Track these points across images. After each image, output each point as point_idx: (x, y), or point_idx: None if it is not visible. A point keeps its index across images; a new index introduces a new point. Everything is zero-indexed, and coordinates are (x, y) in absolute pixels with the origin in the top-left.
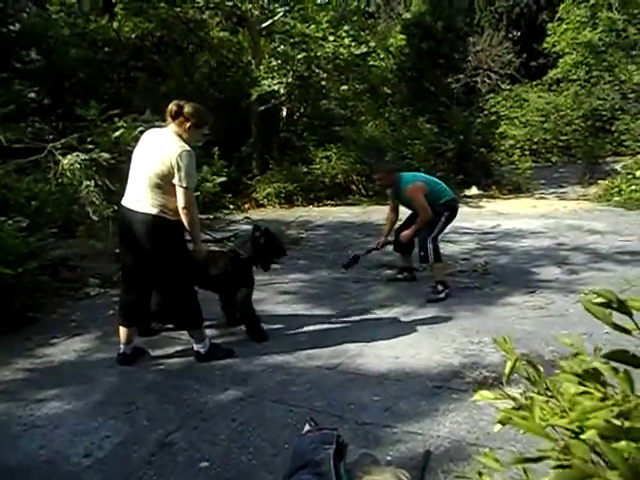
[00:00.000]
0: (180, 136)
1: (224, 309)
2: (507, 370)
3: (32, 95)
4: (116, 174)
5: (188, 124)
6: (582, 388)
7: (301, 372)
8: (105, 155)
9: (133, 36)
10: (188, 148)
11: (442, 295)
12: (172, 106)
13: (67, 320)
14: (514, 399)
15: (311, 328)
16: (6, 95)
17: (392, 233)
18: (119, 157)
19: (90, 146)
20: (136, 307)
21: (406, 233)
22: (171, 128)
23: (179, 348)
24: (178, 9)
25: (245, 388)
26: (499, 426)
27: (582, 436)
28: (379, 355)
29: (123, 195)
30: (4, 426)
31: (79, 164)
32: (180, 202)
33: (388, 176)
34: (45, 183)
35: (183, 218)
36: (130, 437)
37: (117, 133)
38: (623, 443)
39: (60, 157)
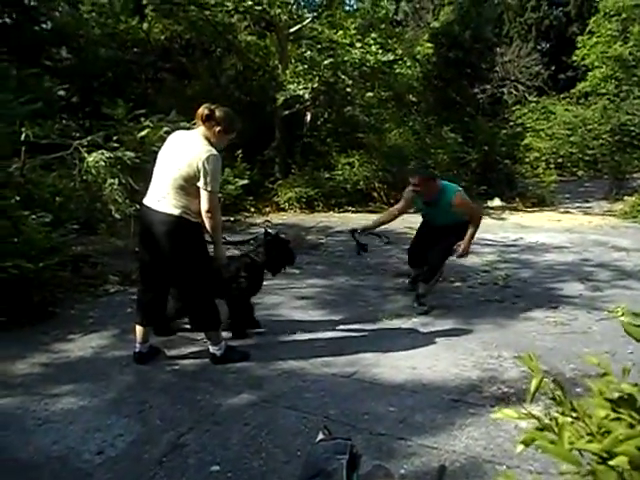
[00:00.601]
0: (208, 139)
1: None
2: (532, 388)
3: (61, 93)
4: (140, 173)
5: (218, 128)
6: (614, 414)
7: (316, 379)
8: (130, 154)
9: (162, 38)
10: (215, 152)
11: (426, 308)
12: (203, 109)
13: (85, 316)
14: (538, 419)
15: (327, 335)
16: (36, 92)
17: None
18: (144, 157)
19: (115, 145)
20: (153, 307)
21: (466, 247)
22: (200, 131)
23: (195, 349)
24: (207, 12)
25: (259, 392)
26: (521, 447)
27: (611, 462)
28: (396, 365)
29: (145, 194)
30: (19, 420)
31: (104, 162)
32: (204, 205)
33: (427, 183)
34: (70, 180)
35: (206, 222)
36: (142, 437)
37: (143, 133)
38: None
39: (85, 154)
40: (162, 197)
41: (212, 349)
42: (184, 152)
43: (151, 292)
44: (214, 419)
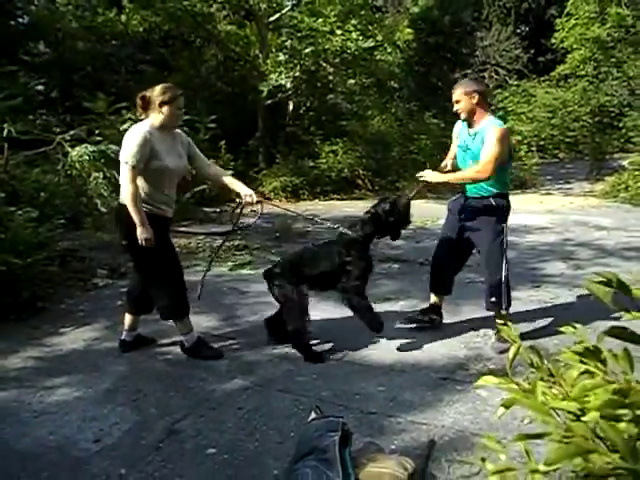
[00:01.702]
0: (156, 121)
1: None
2: (511, 355)
3: (40, 88)
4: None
5: (158, 102)
6: (583, 367)
7: (307, 363)
8: (114, 147)
9: (140, 29)
10: (137, 128)
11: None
12: (137, 100)
13: (75, 310)
14: (517, 384)
15: (316, 319)
16: (14, 88)
17: None
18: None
19: (98, 138)
20: (143, 296)
21: (434, 177)
22: (148, 119)
23: None
24: (186, 2)
25: (251, 377)
26: (502, 410)
27: (584, 418)
28: (384, 347)
29: None
30: (14, 412)
31: (88, 156)
32: (121, 179)
33: (471, 99)
34: (54, 175)
35: (124, 198)
36: (138, 424)
37: (125, 126)
38: (623, 424)
39: (69, 149)
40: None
41: (182, 338)
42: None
43: (140, 282)
44: (208, 405)
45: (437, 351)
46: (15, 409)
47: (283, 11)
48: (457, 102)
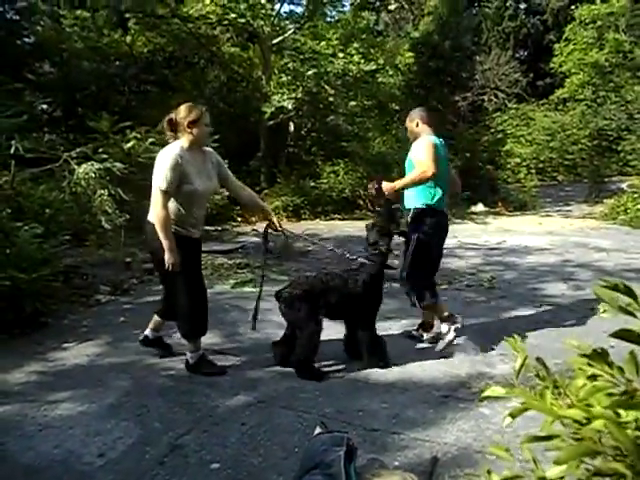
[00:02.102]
0: (186, 142)
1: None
2: (517, 366)
3: (44, 107)
4: (127, 184)
5: (187, 123)
6: (590, 370)
7: (309, 380)
8: (119, 165)
9: (145, 50)
10: (169, 150)
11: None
12: (164, 123)
13: (78, 326)
14: (524, 393)
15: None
16: (19, 106)
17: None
18: (130, 168)
19: (104, 156)
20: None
21: (389, 187)
22: (177, 141)
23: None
24: (191, 25)
25: (254, 394)
26: (508, 420)
27: (591, 425)
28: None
29: (136, 205)
30: (18, 426)
31: (94, 173)
32: (152, 203)
33: (412, 124)
34: (59, 192)
35: (155, 221)
36: (142, 439)
37: (129, 145)
38: (629, 431)
39: (75, 166)
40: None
41: (187, 355)
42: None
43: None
44: (212, 420)
45: (438, 369)
46: (19, 423)
47: (286, 34)
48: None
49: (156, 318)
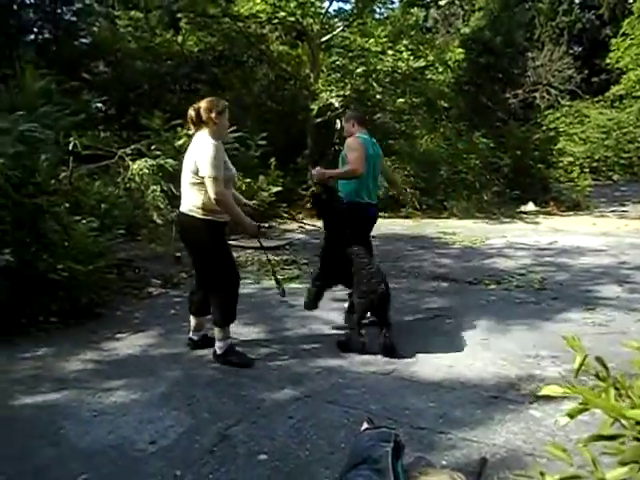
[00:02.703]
0: (211, 134)
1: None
2: (576, 365)
3: (99, 105)
4: (178, 180)
5: (213, 115)
6: None
7: (356, 376)
8: (171, 161)
9: (196, 50)
10: (212, 141)
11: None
12: (190, 114)
13: (131, 317)
14: (582, 393)
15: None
16: (77, 105)
17: None
18: (181, 165)
19: (157, 153)
20: (202, 300)
21: (322, 172)
22: (201, 132)
23: (238, 347)
24: (241, 24)
25: (301, 388)
26: (565, 420)
27: None
28: (433, 364)
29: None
30: (75, 412)
31: (147, 169)
32: (210, 192)
33: (348, 124)
34: (114, 187)
35: (218, 207)
36: (192, 428)
37: (180, 142)
38: None
39: (130, 162)
40: (182, 200)
41: (216, 344)
42: (189, 153)
43: (198, 285)
44: (259, 412)
45: (486, 370)
46: (76, 409)
47: (335, 32)
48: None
49: (193, 319)
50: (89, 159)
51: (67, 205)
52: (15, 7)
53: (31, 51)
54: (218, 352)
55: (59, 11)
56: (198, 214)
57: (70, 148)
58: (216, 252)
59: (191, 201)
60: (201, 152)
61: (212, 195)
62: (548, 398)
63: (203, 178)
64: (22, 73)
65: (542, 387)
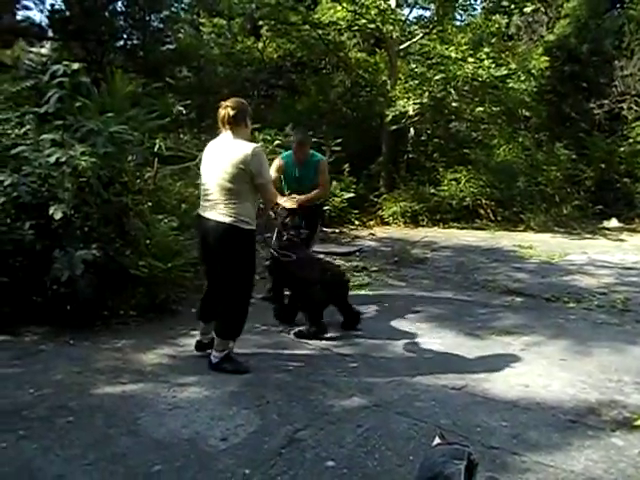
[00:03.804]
0: (241, 137)
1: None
2: None
3: (181, 109)
4: None
5: (248, 120)
6: None
7: (426, 389)
8: None
9: (275, 56)
10: (256, 145)
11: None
12: (227, 111)
13: None
14: None
15: (435, 347)
16: (161, 108)
17: None
18: None
19: None
20: (209, 305)
21: (300, 199)
22: (231, 132)
23: (307, 352)
24: (320, 31)
25: (370, 397)
26: None
27: None
28: (507, 382)
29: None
30: (151, 404)
31: None
32: (265, 196)
33: (304, 147)
34: (194, 188)
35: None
36: (261, 429)
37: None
38: None
39: None
40: (213, 205)
41: (213, 353)
42: (227, 156)
43: (210, 292)
44: (328, 418)
45: (565, 392)
46: (152, 401)
47: (415, 39)
48: (303, 147)
49: (203, 325)
50: (171, 160)
51: (150, 204)
52: (107, 14)
53: (120, 56)
54: (213, 361)
55: (147, 18)
56: (244, 225)
57: (155, 150)
58: (250, 265)
59: (237, 211)
60: (257, 158)
61: (266, 197)
62: (631, 427)
63: (257, 185)
64: (112, 77)
65: (625, 414)
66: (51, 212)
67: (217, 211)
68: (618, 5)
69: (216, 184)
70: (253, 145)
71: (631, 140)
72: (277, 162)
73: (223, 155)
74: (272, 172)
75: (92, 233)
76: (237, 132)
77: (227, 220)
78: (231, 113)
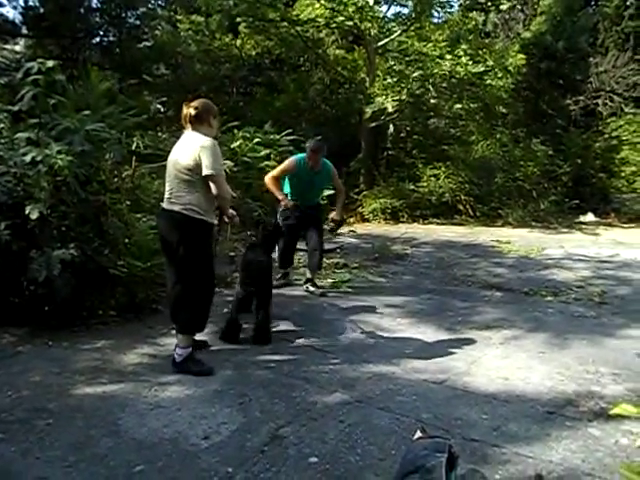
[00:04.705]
0: (204, 133)
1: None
2: None
3: (158, 106)
4: (232, 182)
5: (211, 118)
6: None
7: (407, 383)
8: (229, 163)
9: (254, 53)
10: (210, 139)
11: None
12: (188, 110)
13: None
14: None
15: (417, 342)
16: (138, 105)
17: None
18: (234, 167)
19: None
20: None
21: (339, 214)
22: (194, 129)
23: (289, 349)
24: (299, 28)
25: (352, 393)
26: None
27: None
28: (487, 375)
29: (240, 202)
30: (132, 404)
31: None
32: (214, 189)
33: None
34: None
35: (219, 203)
36: (244, 426)
37: (236, 144)
38: None
39: None
40: (168, 197)
41: (176, 351)
42: (184, 149)
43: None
44: (310, 415)
45: (543, 384)
46: (133, 401)
47: (392, 36)
48: (317, 154)
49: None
50: (149, 158)
51: (129, 203)
52: (82, 11)
53: (96, 53)
54: (177, 359)
55: (124, 15)
56: (194, 214)
57: (133, 148)
58: (204, 255)
59: (187, 200)
60: (208, 151)
61: (220, 193)
62: (608, 417)
63: (205, 176)
64: (87, 74)
65: (602, 405)
66: (27, 212)
67: (169, 201)
68: (592, 3)
69: (172, 176)
70: (206, 138)
71: (606, 135)
72: (290, 162)
73: (180, 149)
74: (279, 167)
75: (69, 233)
76: (199, 131)
77: (176, 208)
78: (193, 112)
